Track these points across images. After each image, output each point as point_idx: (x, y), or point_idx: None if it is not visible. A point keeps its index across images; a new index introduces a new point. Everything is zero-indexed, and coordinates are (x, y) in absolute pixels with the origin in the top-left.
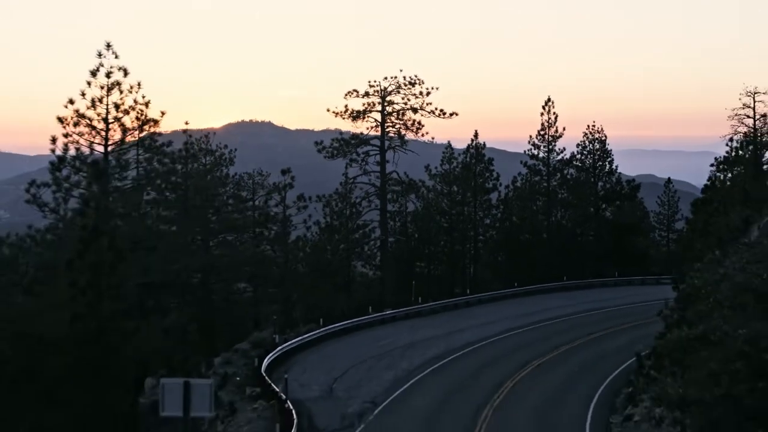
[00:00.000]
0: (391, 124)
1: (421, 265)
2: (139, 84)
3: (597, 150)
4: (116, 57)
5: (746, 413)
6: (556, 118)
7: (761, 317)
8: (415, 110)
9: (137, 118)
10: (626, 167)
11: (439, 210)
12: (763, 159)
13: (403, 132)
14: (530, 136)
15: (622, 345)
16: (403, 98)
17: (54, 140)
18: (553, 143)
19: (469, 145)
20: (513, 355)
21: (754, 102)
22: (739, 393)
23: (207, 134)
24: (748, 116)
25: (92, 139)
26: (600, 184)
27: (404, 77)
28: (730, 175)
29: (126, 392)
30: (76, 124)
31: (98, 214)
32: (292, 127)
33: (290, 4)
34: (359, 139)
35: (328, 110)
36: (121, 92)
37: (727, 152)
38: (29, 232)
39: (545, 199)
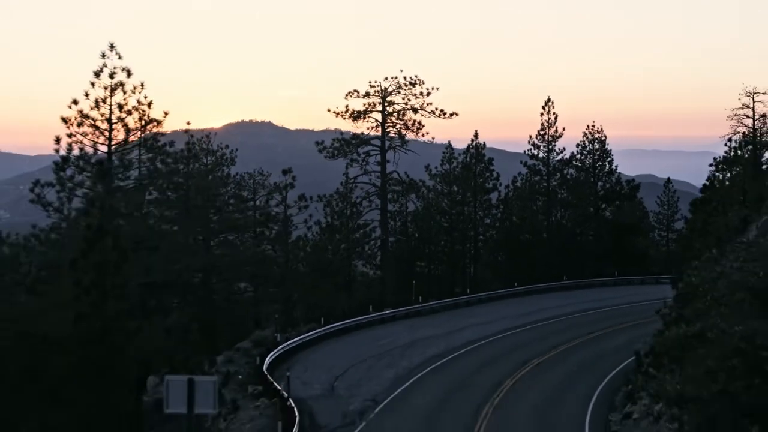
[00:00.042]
0: (391, 124)
1: (421, 265)
2: (142, 84)
3: (597, 150)
4: (120, 58)
5: (742, 409)
6: (555, 118)
7: (757, 315)
8: (415, 110)
9: (140, 119)
10: (626, 167)
11: (440, 210)
12: (763, 159)
13: (403, 132)
14: (530, 136)
15: (621, 344)
16: (403, 98)
17: (58, 140)
18: (552, 143)
19: (469, 145)
20: (513, 354)
21: (754, 102)
22: (735, 390)
23: (208, 134)
24: (748, 116)
25: (96, 139)
26: (600, 184)
27: (405, 77)
28: (728, 175)
29: (130, 391)
30: (80, 125)
31: (103, 214)
32: (292, 127)
33: (290, 4)
34: (360, 139)
35: (328, 110)
36: (125, 93)
37: (725, 152)
38: (33, 231)
39: (545, 199)
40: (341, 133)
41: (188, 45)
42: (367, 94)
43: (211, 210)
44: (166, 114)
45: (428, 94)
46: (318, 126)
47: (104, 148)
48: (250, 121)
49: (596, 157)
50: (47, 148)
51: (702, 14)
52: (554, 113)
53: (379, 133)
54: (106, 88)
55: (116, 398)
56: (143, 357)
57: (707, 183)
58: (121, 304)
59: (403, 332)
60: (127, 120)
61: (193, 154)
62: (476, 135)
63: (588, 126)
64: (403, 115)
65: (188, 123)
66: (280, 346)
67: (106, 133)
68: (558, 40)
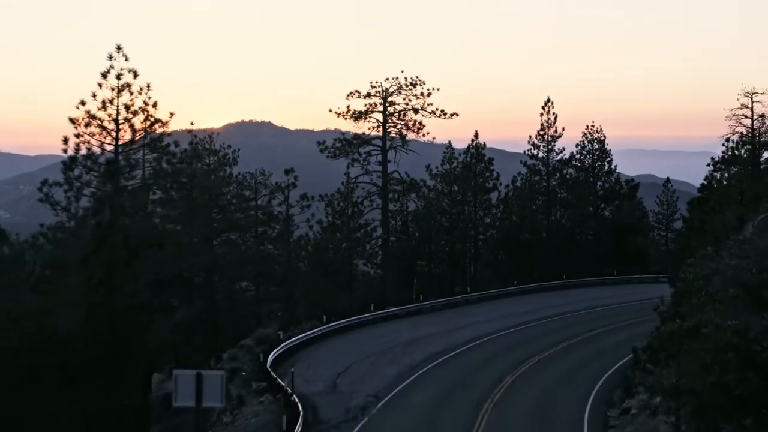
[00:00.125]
0: (392, 125)
1: (422, 264)
2: (148, 86)
3: (596, 150)
4: (126, 59)
5: (736, 401)
6: (555, 118)
7: (750, 310)
8: (416, 111)
9: (146, 119)
10: (626, 167)
11: (440, 209)
12: (762, 159)
13: (404, 132)
14: (530, 136)
15: (619, 342)
16: (404, 99)
17: (66, 140)
18: (552, 143)
19: (469, 145)
20: (513, 351)
21: (752, 102)
22: (729, 382)
23: (210, 134)
24: (746, 116)
25: (103, 140)
26: (599, 183)
27: (405, 78)
28: (726, 174)
29: (138, 386)
30: (87, 125)
31: (113, 212)
32: (292, 127)
33: (290, 4)
34: (361, 140)
35: (330, 110)
36: (131, 94)
37: (723, 152)
38: (41, 230)
39: (545, 198)
40: (342, 133)
41: (188, 45)
42: (369, 95)
43: (214, 209)
44: (172, 114)
45: (429, 94)
46: (318, 126)
47: (110, 148)
48: (250, 121)
49: (596, 157)
50: (47, 148)
51: (702, 14)
52: (554, 113)
53: (380, 133)
54: (113, 89)
55: (125, 393)
56: (150, 353)
57: (705, 183)
58: (130, 301)
59: (404, 330)
60: (133, 120)
61: (197, 154)
62: (476, 135)
63: (587, 126)
64: (404, 115)
65: (192, 123)
66: (283, 344)
67: (113, 134)
68: (558, 40)
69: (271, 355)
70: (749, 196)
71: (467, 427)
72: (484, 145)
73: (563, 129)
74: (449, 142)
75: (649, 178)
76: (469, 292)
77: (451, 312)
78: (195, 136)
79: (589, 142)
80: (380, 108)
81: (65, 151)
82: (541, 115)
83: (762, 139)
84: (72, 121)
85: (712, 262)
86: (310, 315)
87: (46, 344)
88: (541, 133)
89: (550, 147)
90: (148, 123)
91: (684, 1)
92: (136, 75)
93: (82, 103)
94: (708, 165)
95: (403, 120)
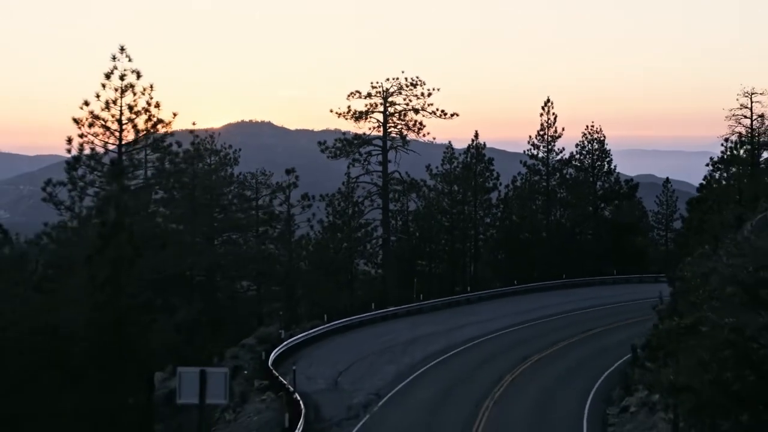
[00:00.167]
0: (393, 125)
1: (422, 263)
2: (151, 86)
3: (596, 150)
4: (130, 60)
5: (733, 398)
6: (555, 118)
7: (747, 308)
8: (416, 111)
9: (149, 119)
10: (626, 167)
11: (440, 209)
12: (761, 159)
13: (404, 132)
14: (530, 136)
15: (619, 341)
16: (404, 99)
17: (70, 140)
18: (552, 143)
19: (469, 145)
20: (512, 350)
21: (752, 102)
22: (726, 380)
23: (212, 134)
24: (746, 116)
25: (106, 140)
26: (599, 183)
27: (406, 78)
28: (725, 174)
29: (141, 385)
30: (91, 125)
31: (118, 211)
32: (292, 127)
33: (290, 4)
34: (362, 140)
35: (331, 111)
36: (134, 94)
37: (722, 152)
38: (45, 229)
39: (544, 198)
40: (342, 133)
41: (188, 45)
42: (369, 95)
43: (215, 209)
44: (175, 115)
45: (429, 94)
46: (318, 126)
47: (113, 148)
48: (250, 121)
49: (595, 156)
50: (47, 148)
51: (702, 14)
52: (554, 113)
53: (381, 134)
54: (116, 90)
55: (127, 392)
56: (153, 352)
57: (704, 182)
58: (133, 300)
59: (404, 329)
60: (136, 121)
61: (199, 154)
62: (476, 135)
63: (587, 126)
64: (405, 115)
65: (194, 123)
66: (285, 343)
67: (117, 134)
68: (558, 40)
69: (272, 354)
70: (748, 195)
71: (468, 425)
72: (484, 145)
73: (563, 129)
74: (449, 142)
75: (649, 178)
76: (469, 292)
77: (451, 311)
78: (197, 136)
79: (588, 142)
80: (381, 108)
81: (69, 151)
82: (541, 115)
83: (761, 140)
84: (76, 121)
85: (710, 261)
86: (312, 314)
87: (49, 343)
88: (541, 133)
89: (549, 147)
90: (151, 123)
91: (684, 1)
92: (139, 76)
93: (86, 103)
94: (707, 165)
95: (404, 120)
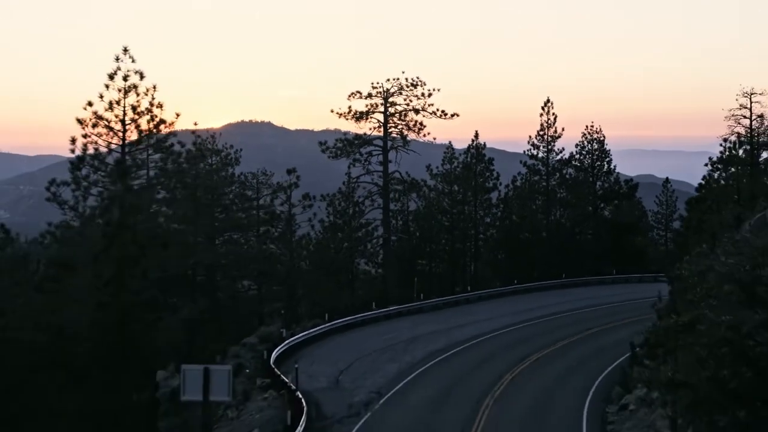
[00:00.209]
0: (393, 125)
1: (422, 263)
2: (154, 87)
3: (595, 150)
4: (133, 61)
5: (730, 394)
6: (555, 118)
7: (744, 306)
8: (417, 111)
9: (152, 120)
10: (626, 167)
11: (441, 209)
12: (760, 159)
13: (405, 132)
14: (530, 137)
15: (618, 340)
16: (405, 99)
17: (73, 140)
18: (552, 143)
19: (469, 145)
20: (512, 349)
21: (751, 103)
22: (723, 377)
23: (213, 135)
24: (745, 117)
25: (110, 140)
26: (598, 183)
27: (406, 79)
28: (724, 174)
29: (145, 383)
30: (94, 126)
31: (122, 211)
32: (292, 127)
33: (290, 4)
34: (362, 140)
35: (332, 111)
36: (138, 95)
37: (720, 152)
38: (49, 229)
39: (544, 198)
40: (344, 133)
41: (188, 45)
42: (370, 95)
43: (217, 209)
44: (178, 115)
45: (429, 95)
46: (318, 126)
47: (115, 148)
48: (250, 121)
49: (595, 157)
50: (47, 148)
51: (702, 14)
52: (553, 113)
53: (382, 134)
54: (120, 91)
55: (132, 389)
56: (158, 350)
57: (702, 182)
58: (137, 298)
59: (405, 328)
60: (139, 121)
61: (200, 154)
62: (476, 135)
63: (587, 126)
64: (405, 115)
65: (195, 123)
66: (286, 342)
67: (120, 134)
68: (558, 40)
69: (274, 353)
70: (746, 195)
71: (468, 423)
72: (485, 145)
73: (563, 129)
74: (449, 142)
75: (648, 178)
76: (469, 291)
77: (452, 311)
78: (198, 136)
79: (588, 142)
80: (381, 108)
81: (73, 151)
82: (541, 115)
83: (760, 140)
84: (80, 121)
85: (707, 260)
86: (312, 313)
87: (53, 342)
88: (541, 133)
89: (549, 147)
90: (154, 124)
91: (684, 1)
92: (142, 76)
93: (90, 104)
94: (705, 165)
95: (404, 120)
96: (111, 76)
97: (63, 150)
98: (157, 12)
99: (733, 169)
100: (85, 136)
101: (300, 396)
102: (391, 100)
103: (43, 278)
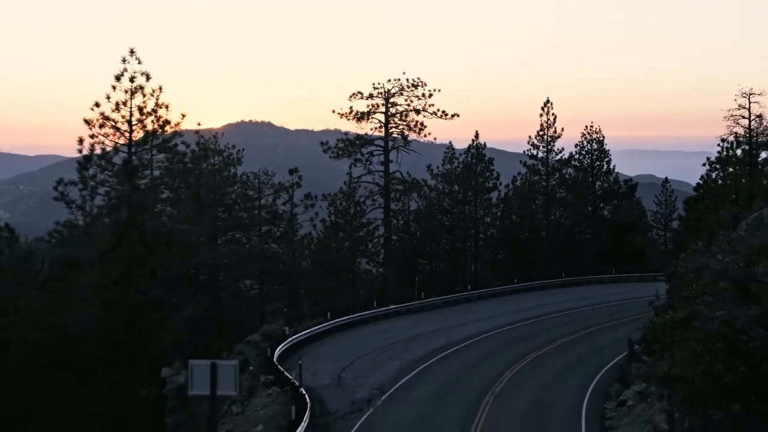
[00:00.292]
0: (394, 125)
1: (423, 262)
2: (160, 88)
3: (595, 150)
4: (139, 62)
5: (725, 389)
6: (554, 118)
7: (738, 302)
8: (417, 111)
9: (157, 120)
10: (625, 167)
11: (441, 209)
12: (759, 159)
13: (406, 133)
14: (529, 137)
15: (617, 338)
16: (406, 100)
17: (81, 141)
18: (552, 143)
19: (470, 146)
20: (512, 347)
21: (750, 103)
22: (718, 371)
23: (215, 135)
24: (744, 117)
25: (117, 140)
26: (598, 183)
27: (407, 79)
28: (722, 174)
29: (151, 380)
30: (101, 126)
31: (130, 211)
32: (292, 127)
33: (290, 4)
34: (363, 140)
35: (333, 111)
36: (144, 96)
37: (718, 152)
38: (56, 228)
39: (544, 198)
40: (344, 134)
41: (188, 45)
42: (371, 96)
43: (219, 209)
44: (183, 116)
45: (430, 95)
46: (318, 126)
47: (124, 149)
48: (250, 121)
49: (594, 157)
50: (47, 148)
51: (702, 14)
52: (553, 114)
53: (383, 134)
54: (126, 92)
55: (139, 387)
56: (164, 348)
57: (701, 182)
58: (144, 297)
59: (406, 327)
60: (146, 121)
61: (204, 154)
62: (477, 135)
63: (586, 126)
64: (406, 116)
65: (198, 124)
66: (289, 339)
67: (126, 134)
68: (558, 40)
69: (277, 350)
70: (744, 195)
71: (468, 419)
72: (485, 145)
73: (563, 129)
74: (450, 142)
75: (648, 178)
76: (469, 290)
77: (452, 309)
78: (201, 136)
79: (588, 142)
80: (382, 109)
81: (80, 151)
82: (541, 115)
83: (759, 140)
84: (87, 122)
85: (703, 257)
86: (314, 312)
87: (57, 342)
88: (541, 133)
89: (549, 147)
90: (159, 124)
91: (684, 1)
92: (148, 78)
93: (97, 104)
94: (703, 165)
95: (405, 120)
96: (118, 78)
97: (63, 150)
98: (157, 12)
99: (731, 169)
100: (92, 136)
101: (304, 392)
102: (392, 100)
103: (47, 277)
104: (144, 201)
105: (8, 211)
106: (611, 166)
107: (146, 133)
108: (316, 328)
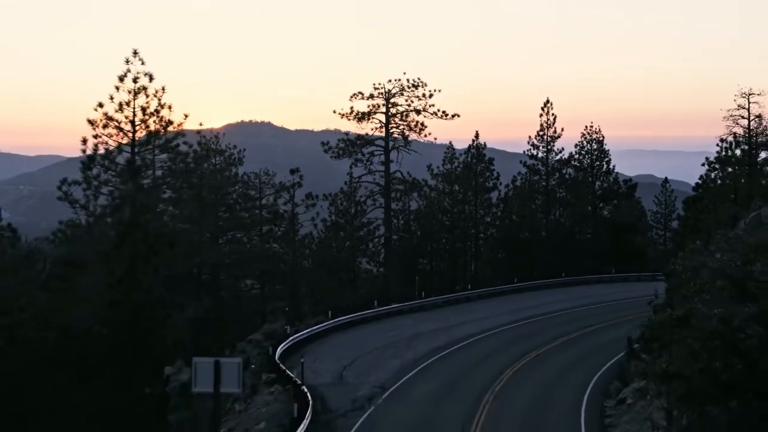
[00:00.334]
0: (395, 125)
1: (423, 262)
2: (163, 89)
3: (594, 150)
4: (143, 63)
5: (722, 386)
6: (554, 118)
7: (735, 300)
8: (418, 112)
9: (160, 121)
10: (625, 167)
11: (441, 208)
12: (759, 159)
13: (406, 133)
14: (529, 137)
15: (616, 337)
16: (406, 100)
17: (84, 141)
18: (551, 143)
19: (470, 146)
20: (512, 346)
21: (749, 103)
22: (715, 368)
23: (216, 135)
24: (743, 117)
25: (120, 140)
26: (597, 183)
27: (408, 80)
28: (721, 174)
29: (155, 379)
30: (105, 126)
31: (134, 210)
32: (292, 127)
33: (290, 4)
34: (364, 140)
35: (334, 111)
36: (147, 96)
37: (717, 152)
38: (60, 227)
39: (544, 198)
40: (345, 134)
41: (188, 45)
42: (372, 96)
43: (221, 208)
44: (186, 116)
45: (431, 95)
46: (318, 126)
47: (126, 149)
48: (250, 121)
49: (594, 157)
50: (47, 148)
51: (702, 14)
52: (553, 114)
53: (383, 134)
54: (129, 92)
55: (142, 385)
56: (168, 347)
57: (699, 182)
58: (148, 296)
59: (407, 326)
60: (148, 122)
61: (206, 154)
62: (477, 135)
63: (586, 126)
64: (407, 116)
65: (200, 124)
66: (290, 338)
67: (129, 135)
68: (558, 40)
69: (279, 349)
70: (743, 195)
71: (469, 417)
72: (485, 145)
73: (562, 129)
74: (450, 142)
75: (648, 178)
76: (469, 290)
77: (452, 309)
78: (203, 137)
79: (587, 142)
80: (383, 109)
81: (84, 151)
82: (541, 115)
83: (759, 140)
84: (90, 122)
85: (701, 256)
86: (316, 311)
87: (61, 340)
88: (541, 133)
89: (549, 147)
90: (162, 124)
91: (684, 1)
92: (151, 78)
93: (100, 105)
94: (702, 165)
95: (406, 121)
96: (121, 78)
97: (63, 150)
98: (157, 12)
99: (730, 169)
100: (95, 136)
101: (305, 390)
102: (392, 100)
103: (49, 277)
104: (147, 200)
105: (8, 211)
106: (611, 166)
107: (149, 133)
108: (317, 327)
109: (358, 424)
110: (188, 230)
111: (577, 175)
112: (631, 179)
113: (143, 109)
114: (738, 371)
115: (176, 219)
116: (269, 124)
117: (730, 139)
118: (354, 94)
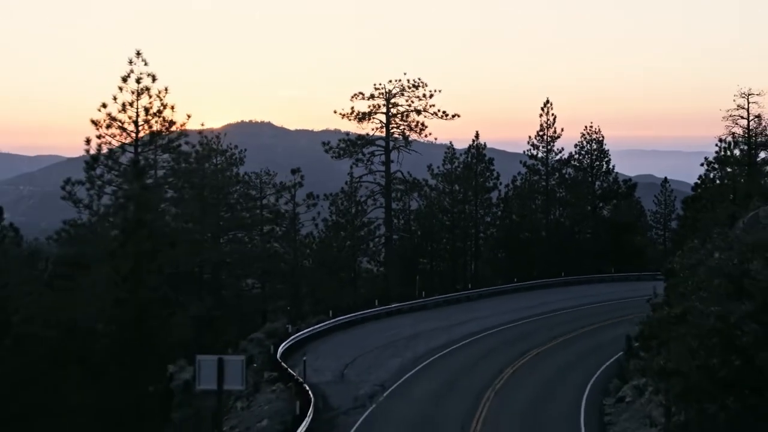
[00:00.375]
0: (395, 125)
1: (424, 261)
2: (166, 89)
3: (594, 150)
4: (146, 64)
5: (720, 383)
6: (554, 119)
7: (732, 298)
8: (418, 112)
9: (163, 121)
10: (625, 167)
11: (442, 208)
12: (758, 159)
13: (407, 133)
14: (529, 137)
15: (616, 336)
16: (407, 100)
17: (88, 141)
18: (551, 143)
19: (470, 146)
20: (512, 345)
21: (748, 103)
22: (713, 365)
23: (218, 135)
24: (742, 117)
25: (123, 141)
26: (597, 183)
27: (408, 80)
28: (720, 173)
29: (159, 376)
30: (108, 126)
31: (138, 209)
32: (292, 127)
33: (290, 4)
34: (365, 140)
35: (335, 112)
36: (150, 97)
37: (716, 152)
38: (64, 227)
39: (544, 197)
40: (345, 134)
41: (188, 45)
42: (372, 96)
43: (222, 208)
44: (189, 117)
45: (431, 95)
46: (318, 126)
47: (129, 149)
48: (250, 121)
49: (594, 157)
50: (47, 148)
51: (702, 14)
52: (553, 114)
53: (384, 134)
54: (133, 93)
55: (147, 383)
56: (172, 346)
57: (698, 181)
58: (153, 294)
59: (407, 325)
60: (151, 122)
61: (208, 154)
62: (477, 135)
63: (586, 126)
64: (407, 116)
65: (202, 124)
66: (292, 337)
67: (132, 135)
68: (558, 40)
69: (280, 348)
70: (741, 194)
71: (469, 415)
72: (485, 145)
73: (562, 129)
74: (450, 142)
75: (648, 178)
76: (470, 289)
77: (453, 308)
78: (205, 137)
79: (587, 142)
80: (383, 109)
81: (87, 151)
82: (541, 115)
83: (758, 140)
84: (94, 122)
85: (698, 254)
86: (316, 311)
87: (65, 338)
88: (541, 133)
89: (549, 147)
90: (165, 125)
91: (684, 1)
92: (154, 79)
93: (104, 105)
94: (701, 165)
95: (406, 121)
96: (124, 79)
97: (63, 150)
98: (157, 12)
99: (729, 169)
100: (99, 136)
101: (307, 388)
102: (393, 101)
103: (54, 275)
104: (151, 199)
105: (8, 211)
106: (611, 166)
107: (152, 133)
108: (318, 326)
109: (359, 421)
110: (190, 230)
111: (576, 175)
112: (630, 179)
113: (146, 110)
114: (735, 368)
115: (178, 218)
116: (269, 124)
117: (729, 139)
118: (354, 95)
